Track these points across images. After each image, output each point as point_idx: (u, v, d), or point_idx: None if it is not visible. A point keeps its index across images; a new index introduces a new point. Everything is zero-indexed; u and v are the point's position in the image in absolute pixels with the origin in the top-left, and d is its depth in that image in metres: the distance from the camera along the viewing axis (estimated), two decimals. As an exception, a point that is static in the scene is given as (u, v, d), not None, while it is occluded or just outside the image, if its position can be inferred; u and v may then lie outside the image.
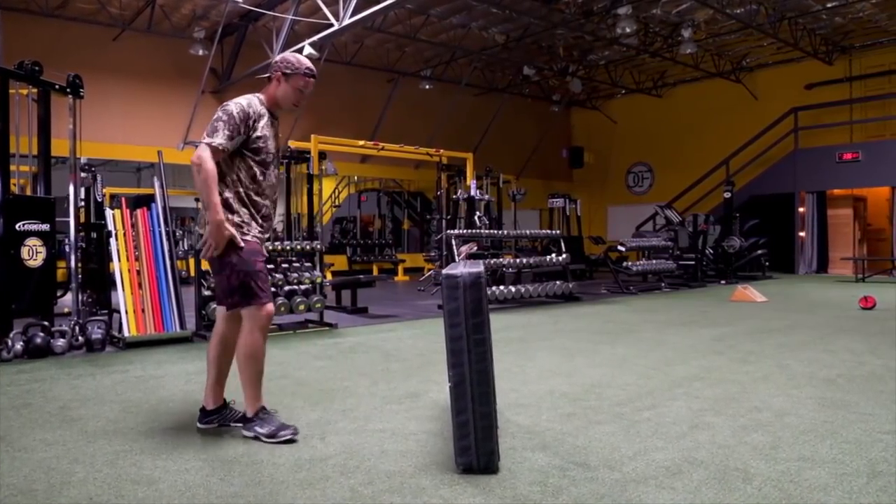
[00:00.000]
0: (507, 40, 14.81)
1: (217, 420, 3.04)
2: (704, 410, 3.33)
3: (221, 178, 2.89)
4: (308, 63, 2.98)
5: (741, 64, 16.92)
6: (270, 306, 2.94)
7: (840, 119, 15.26)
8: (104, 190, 11.22)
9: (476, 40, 14.75)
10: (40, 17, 11.79)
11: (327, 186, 17.51)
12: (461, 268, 2.52)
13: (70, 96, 5.60)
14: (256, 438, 2.85)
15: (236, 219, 2.89)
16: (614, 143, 20.36)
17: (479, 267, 2.53)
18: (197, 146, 2.87)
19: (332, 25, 10.39)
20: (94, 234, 6.66)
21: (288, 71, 2.95)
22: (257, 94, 3.00)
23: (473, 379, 2.43)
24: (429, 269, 12.73)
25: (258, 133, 2.91)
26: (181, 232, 14.23)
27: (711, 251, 13.22)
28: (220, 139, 2.80)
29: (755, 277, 13.00)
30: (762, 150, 15.68)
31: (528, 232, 10.23)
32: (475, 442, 2.43)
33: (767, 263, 13.90)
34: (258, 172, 2.95)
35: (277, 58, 3.00)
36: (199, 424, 3.04)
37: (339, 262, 14.39)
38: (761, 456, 2.64)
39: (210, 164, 2.77)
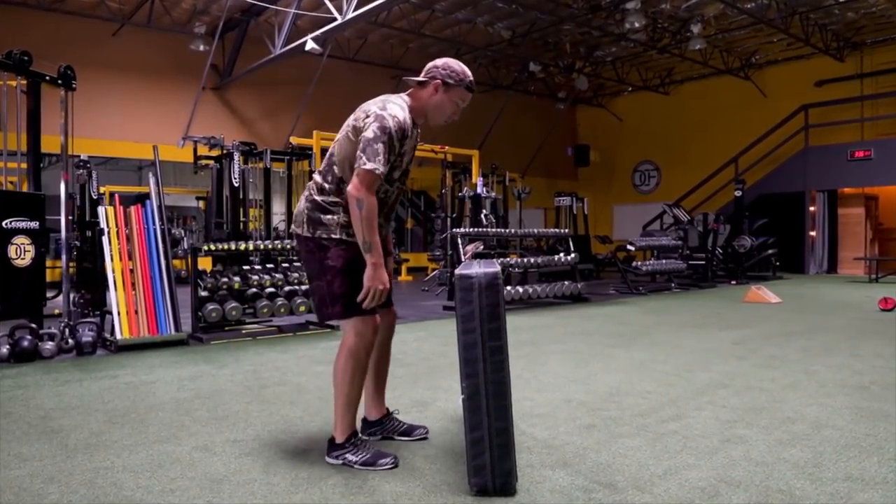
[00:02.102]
0: (512, 36, 14.58)
1: (380, 431, 2.79)
2: (734, 422, 3.08)
3: (339, 194, 2.51)
4: (471, 76, 2.57)
5: (750, 61, 16.66)
6: (378, 319, 2.58)
7: (851, 116, 14.98)
8: (104, 188, 11.05)
9: (481, 36, 14.52)
10: (37, 12, 11.60)
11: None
12: (476, 267, 2.28)
13: (62, 88, 5.39)
14: (346, 466, 2.48)
15: (343, 218, 2.49)
16: (620, 142, 20.11)
17: (495, 267, 2.29)
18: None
19: (334, 20, 10.16)
20: (89, 233, 6.47)
21: (450, 80, 2.52)
22: (404, 99, 2.56)
23: (489, 391, 2.19)
24: (433, 269, 12.49)
25: (401, 150, 2.51)
26: (182, 231, 14.02)
27: (721, 251, 12.96)
28: (382, 165, 2.37)
29: (765, 278, 12.73)
30: (771, 149, 15.39)
31: (536, 231, 9.98)
32: (491, 461, 2.19)
33: (778, 263, 13.63)
34: (382, 191, 2.54)
35: (438, 62, 2.55)
36: (361, 436, 2.71)
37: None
38: (804, 475, 2.40)
39: (374, 199, 2.38)
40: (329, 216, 2.52)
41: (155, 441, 2.84)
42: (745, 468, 2.47)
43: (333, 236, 2.51)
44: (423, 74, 2.57)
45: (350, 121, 2.53)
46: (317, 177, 2.59)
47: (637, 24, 12.77)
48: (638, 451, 2.66)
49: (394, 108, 2.46)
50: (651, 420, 3.12)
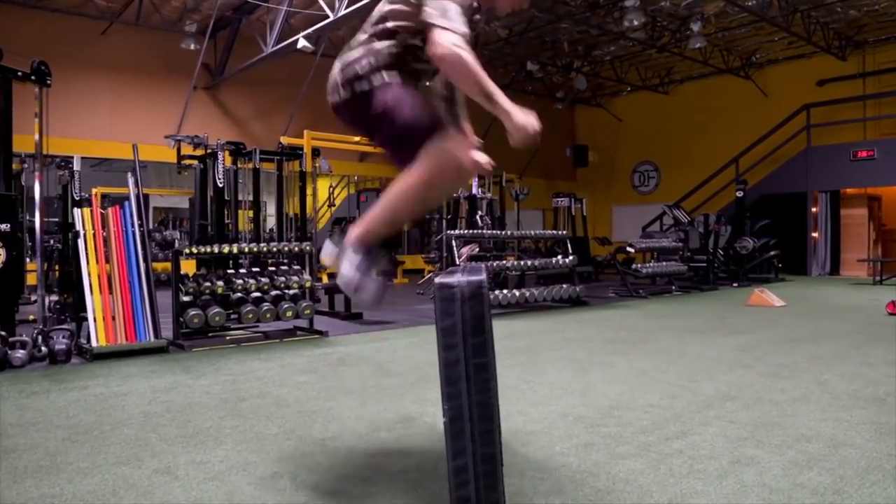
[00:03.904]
0: (509, 35, 14.34)
1: None
2: (744, 440, 2.85)
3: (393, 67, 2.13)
4: None
5: (751, 60, 16.42)
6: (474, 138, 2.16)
7: (853, 116, 14.75)
8: (98, 189, 10.82)
9: (477, 34, 14.27)
10: (22, 9, 11.35)
11: (323, 186, 17.00)
12: (458, 275, 2.04)
13: (36, 85, 5.15)
14: (343, 256, 2.15)
15: (376, 61, 2.15)
16: (619, 142, 19.88)
17: (480, 273, 2.05)
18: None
19: (327, 17, 9.94)
20: (70, 235, 6.23)
21: None
22: None
23: (474, 413, 1.95)
24: (429, 272, 12.26)
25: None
26: (178, 233, 13.82)
27: (722, 252, 12.73)
28: (464, 26, 1.96)
29: (767, 280, 12.50)
30: (773, 149, 15.17)
31: (532, 232, 9.75)
32: (476, 492, 1.95)
33: (780, 265, 13.40)
34: (420, 83, 2.24)
35: None
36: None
37: (337, 263, 13.91)
38: None
39: (469, 51, 1.92)
40: (360, 64, 2.16)
41: (114, 463, 2.61)
42: (759, 495, 2.24)
43: (374, 81, 2.14)
44: None
45: None
46: (359, 36, 2.24)
47: (636, 23, 12.56)
48: (640, 476, 2.43)
49: None
50: (654, 438, 2.88)
